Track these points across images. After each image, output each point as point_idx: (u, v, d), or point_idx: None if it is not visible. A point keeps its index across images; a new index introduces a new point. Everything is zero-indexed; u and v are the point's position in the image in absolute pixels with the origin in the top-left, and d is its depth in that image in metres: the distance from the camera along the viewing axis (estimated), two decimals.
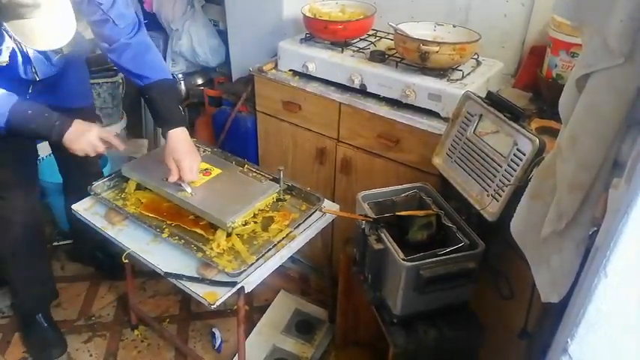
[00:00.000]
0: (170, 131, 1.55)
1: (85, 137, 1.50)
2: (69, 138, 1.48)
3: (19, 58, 1.47)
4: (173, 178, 1.53)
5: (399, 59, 1.70)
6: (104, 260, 2.23)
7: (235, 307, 1.44)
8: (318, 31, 1.83)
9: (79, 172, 1.91)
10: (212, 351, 1.95)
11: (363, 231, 1.31)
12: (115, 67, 2.18)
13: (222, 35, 2.44)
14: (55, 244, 2.41)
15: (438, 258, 1.20)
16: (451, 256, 1.21)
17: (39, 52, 1.48)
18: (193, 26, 2.40)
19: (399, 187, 1.46)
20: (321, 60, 1.79)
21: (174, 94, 1.72)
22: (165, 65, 1.73)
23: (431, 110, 1.60)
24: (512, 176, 1.20)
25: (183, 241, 1.45)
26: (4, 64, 1.44)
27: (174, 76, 2.60)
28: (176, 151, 1.53)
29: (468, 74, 1.63)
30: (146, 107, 2.32)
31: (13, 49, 1.43)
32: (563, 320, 0.84)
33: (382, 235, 1.27)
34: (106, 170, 2.25)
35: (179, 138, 1.55)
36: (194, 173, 1.56)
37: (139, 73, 1.59)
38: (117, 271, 2.10)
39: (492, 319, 1.35)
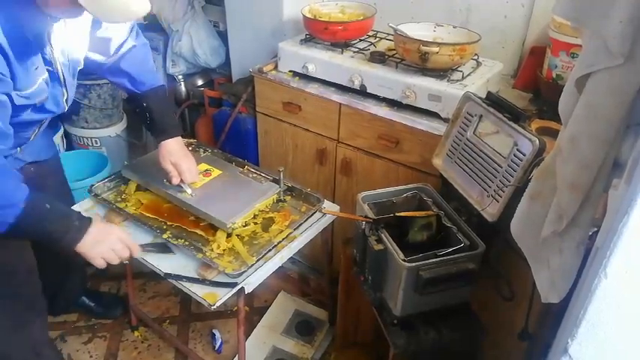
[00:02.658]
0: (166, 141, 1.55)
1: (107, 241, 1.27)
2: (87, 242, 1.23)
3: (50, 89, 1.27)
4: (176, 180, 1.53)
5: (399, 60, 1.70)
6: (94, 307, 2.06)
7: (235, 308, 1.44)
8: (318, 32, 1.83)
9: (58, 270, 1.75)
10: (212, 352, 1.95)
11: (363, 232, 1.31)
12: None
13: (223, 36, 2.44)
14: None
15: (438, 259, 1.20)
16: (451, 256, 1.21)
17: (70, 65, 1.32)
18: (193, 27, 2.40)
19: (399, 187, 1.46)
20: (321, 61, 1.79)
21: (168, 101, 1.66)
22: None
23: (431, 111, 1.60)
24: (512, 177, 1.20)
25: (183, 242, 1.45)
26: (43, 102, 1.25)
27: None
28: (172, 155, 1.54)
29: (468, 75, 1.63)
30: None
31: (45, 80, 1.24)
32: (564, 321, 0.84)
33: (382, 235, 1.26)
34: (105, 171, 2.26)
35: (173, 144, 1.55)
36: (194, 174, 1.57)
37: (140, 79, 1.51)
38: (114, 309, 2.07)
39: (493, 320, 1.35)
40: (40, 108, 1.27)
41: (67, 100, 1.34)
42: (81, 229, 1.22)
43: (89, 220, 1.25)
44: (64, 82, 1.31)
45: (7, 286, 1.36)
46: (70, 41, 1.29)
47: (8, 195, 1.12)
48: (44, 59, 1.22)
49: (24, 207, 1.12)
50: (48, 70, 1.24)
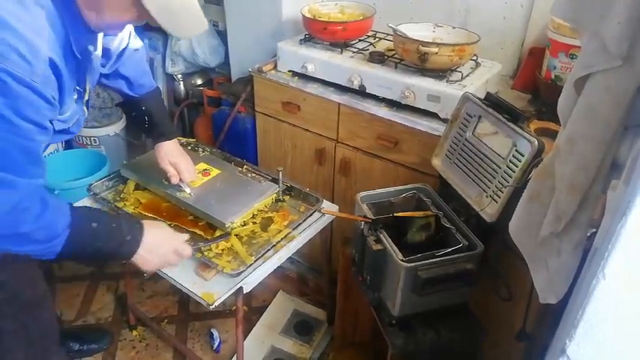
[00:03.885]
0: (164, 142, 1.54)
1: (160, 252, 1.21)
2: (140, 255, 1.17)
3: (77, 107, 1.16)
4: (175, 179, 1.53)
5: (398, 60, 1.70)
6: (80, 348, 1.92)
7: (234, 307, 1.43)
8: (317, 31, 1.83)
9: None
10: (210, 351, 1.95)
11: (362, 232, 1.31)
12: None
13: (222, 36, 2.44)
14: None
15: (436, 259, 1.20)
16: (450, 257, 1.21)
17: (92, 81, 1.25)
18: None
19: (398, 188, 1.46)
20: (321, 61, 1.79)
21: (163, 102, 1.64)
22: None
23: (430, 111, 1.60)
24: (510, 177, 1.20)
25: None
26: (73, 122, 1.14)
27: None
28: (170, 155, 1.54)
29: (467, 75, 1.63)
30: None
31: (75, 100, 1.15)
32: (562, 321, 0.84)
33: (381, 235, 1.26)
34: (104, 170, 2.25)
35: (171, 144, 1.55)
36: (192, 173, 1.58)
37: (138, 82, 1.46)
38: (101, 341, 1.96)
39: (491, 321, 1.35)
40: (64, 131, 1.16)
41: (85, 119, 1.25)
42: (133, 243, 1.16)
43: (140, 230, 1.18)
44: (87, 100, 1.23)
45: (23, 312, 1.29)
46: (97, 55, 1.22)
47: (52, 228, 1.05)
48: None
49: (69, 233, 1.05)
50: (76, 89, 1.15)
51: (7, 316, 1.24)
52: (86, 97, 1.21)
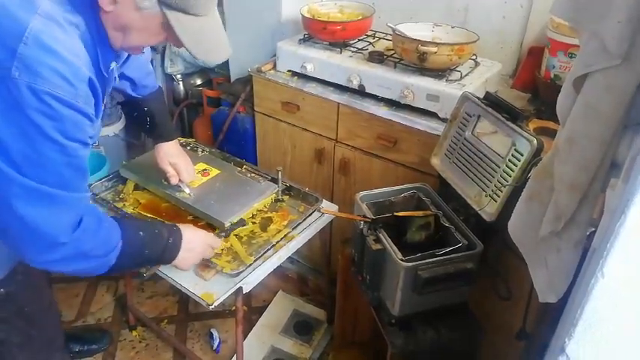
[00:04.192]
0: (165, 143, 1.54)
1: (196, 251, 1.28)
2: (180, 257, 1.25)
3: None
4: (175, 179, 1.54)
5: (397, 60, 1.70)
6: (80, 349, 1.92)
7: (234, 307, 1.43)
8: (316, 31, 1.83)
9: None
10: (210, 352, 1.95)
11: (361, 231, 1.31)
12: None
13: None
14: None
15: (436, 258, 1.20)
16: (449, 256, 1.21)
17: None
18: None
19: (398, 187, 1.46)
20: (320, 60, 1.79)
21: (165, 103, 1.64)
22: None
23: (429, 111, 1.60)
24: (510, 177, 1.20)
25: None
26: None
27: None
28: (169, 155, 1.54)
29: (467, 75, 1.63)
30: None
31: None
32: (561, 320, 0.84)
33: (380, 235, 1.27)
34: (104, 170, 2.25)
35: (171, 145, 1.56)
36: (192, 174, 1.58)
37: (142, 83, 1.46)
38: (100, 341, 1.96)
39: (491, 320, 1.35)
40: None
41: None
42: (173, 246, 1.23)
43: (178, 231, 1.25)
44: (102, 114, 1.24)
45: (30, 324, 1.29)
46: None
47: (108, 242, 1.09)
48: None
49: (122, 245, 1.10)
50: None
51: (13, 329, 1.25)
52: (102, 109, 1.22)
